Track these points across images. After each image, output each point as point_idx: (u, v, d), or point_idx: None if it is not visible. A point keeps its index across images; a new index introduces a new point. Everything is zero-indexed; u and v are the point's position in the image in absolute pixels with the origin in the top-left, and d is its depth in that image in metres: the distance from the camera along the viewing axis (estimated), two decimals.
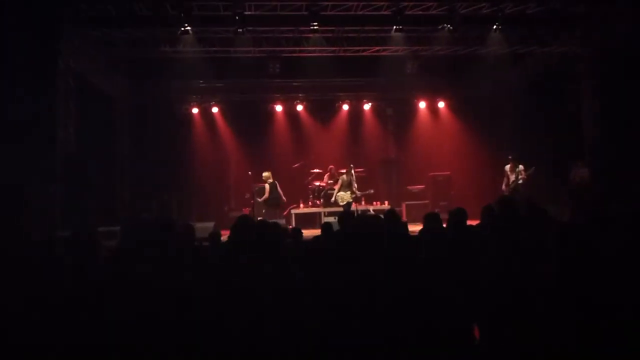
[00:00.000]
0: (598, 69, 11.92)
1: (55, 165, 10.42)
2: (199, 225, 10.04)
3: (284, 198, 12.78)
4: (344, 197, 12.40)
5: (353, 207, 12.46)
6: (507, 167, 12.38)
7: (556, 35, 12.51)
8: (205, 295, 3.10)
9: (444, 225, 5.73)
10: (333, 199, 12.73)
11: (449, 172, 15.83)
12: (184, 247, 4.94)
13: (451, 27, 11.12)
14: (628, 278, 2.96)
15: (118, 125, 14.80)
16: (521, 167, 12.16)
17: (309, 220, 14.01)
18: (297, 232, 6.47)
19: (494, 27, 11.32)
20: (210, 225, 10.87)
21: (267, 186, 12.54)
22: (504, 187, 12.33)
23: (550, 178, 12.74)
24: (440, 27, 11.30)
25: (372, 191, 12.98)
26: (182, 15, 10.44)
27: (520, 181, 12.08)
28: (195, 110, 15.92)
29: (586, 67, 12.32)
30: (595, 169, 11.67)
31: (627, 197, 9.73)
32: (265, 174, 12.64)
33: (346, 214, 6.65)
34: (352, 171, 12.51)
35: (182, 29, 10.67)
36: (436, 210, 12.08)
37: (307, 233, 8.64)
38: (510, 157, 12.45)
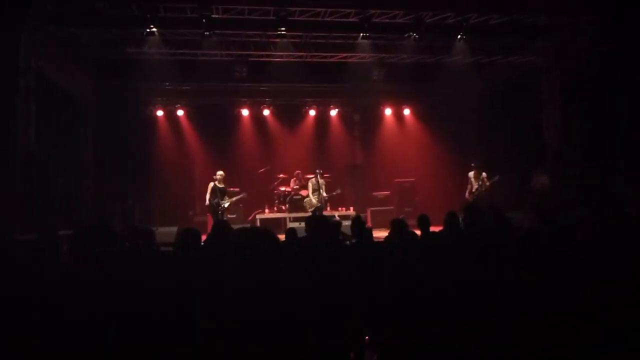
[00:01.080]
0: (558, 79, 12.25)
1: (14, 167, 10.15)
2: (162, 229, 9.92)
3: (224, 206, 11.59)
4: (311, 202, 12.39)
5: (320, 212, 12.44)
6: (471, 174, 12.58)
7: (518, 46, 12.80)
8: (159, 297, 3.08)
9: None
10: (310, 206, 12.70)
11: (413, 179, 16.01)
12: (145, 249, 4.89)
13: (417, 36, 11.27)
14: (587, 282, 3.04)
15: (81, 126, 14.44)
16: (484, 174, 12.38)
17: (274, 225, 13.94)
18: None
19: (459, 36, 11.51)
20: (173, 229, 10.72)
21: (210, 185, 11.59)
22: (467, 194, 12.52)
23: (514, 185, 13.00)
24: (406, 35, 11.45)
25: (339, 191, 12.90)
26: (148, 16, 10.31)
27: (484, 188, 12.29)
28: (160, 113, 15.71)
29: (547, 77, 12.64)
30: (556, 176, 11.97)
31: (587, 203, 9.99)
32: (219, 172, 11.77)
33: (313, 219, 6.65)
34: (319, 176, 12.48)
35: (148, 30, 10.51)
36: (401, 217, 12.21)
37: None
38: (473, 165, 12.67)
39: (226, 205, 11.57)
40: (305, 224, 5.55)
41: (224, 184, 11.78)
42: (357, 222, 5.68)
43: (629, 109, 10.07)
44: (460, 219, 6.07)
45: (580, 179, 11.13)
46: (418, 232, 6.26)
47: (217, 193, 11.55)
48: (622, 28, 10.11)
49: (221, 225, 5.15)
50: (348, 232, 6.52)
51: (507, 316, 3.14)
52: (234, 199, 11.89)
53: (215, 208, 11.54)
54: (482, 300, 3.34)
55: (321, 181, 12.38)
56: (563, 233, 3.63)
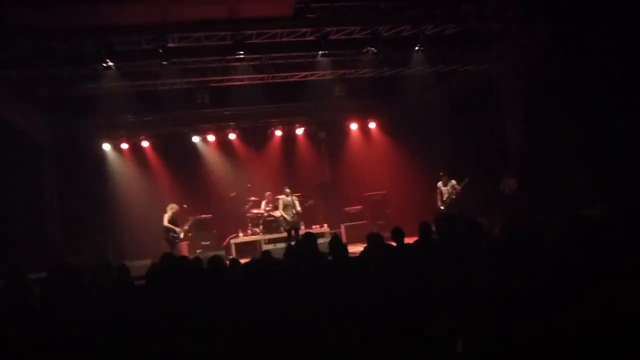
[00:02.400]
0: (517, 84, 12.48)
1: None
2: (135, 263, 9.78)
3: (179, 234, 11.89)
4: (286, 219, 12.34)
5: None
6: (440, 183, 12.68)
7: (475, 54, 13.00)
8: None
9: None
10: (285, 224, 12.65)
11: (384, 191, 16.07)
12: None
13: (375, 50, 11.38)
14: (558, 289, 3.07)
15: (45, 166, 14.12)
16: (453, 182, 12.48)
17: (249, 248, 13.86)
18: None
19: (416, 48, 11.64)
20: (147, 262, 10.55)
21: (166, 216, 11.85)
22: (439, 203, 12.59)
23: (483, 191, 13.13)
24: (364, 50, 11.56)
25: (312, 202, 12.86)
26: (103, 51, 10.16)
27: (454, 196, 12.38)
28: (125, 146, 15.47)
29: (504, 83, 12.87)
30: (523, 180, 12.13)
31: (553, 207, 10.11)
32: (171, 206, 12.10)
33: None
34: (289, 193, 12.44)
35: (105, 64, 10.36)
36: (375, 230, 12.22)
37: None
38: (441, 174, 12.78)
39: (182, 236, 12.00)
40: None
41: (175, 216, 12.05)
42: (336, 240, 5.75)
43: (589, 111, 10.28)
44: (433, 228, 6.13)
45: (545, 183, 11.32)
46: (393, 245, 6.30)
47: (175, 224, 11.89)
48: (577, 32, 10.34)
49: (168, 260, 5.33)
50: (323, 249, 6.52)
51: (485, 322, 3.16)
52: (185, 227, 12.16)
53: (172, 240, 11.76)
54: (463, 307, 3.35)
55: (294, 197, 12.36)
56: (530, 240, 3.68)
